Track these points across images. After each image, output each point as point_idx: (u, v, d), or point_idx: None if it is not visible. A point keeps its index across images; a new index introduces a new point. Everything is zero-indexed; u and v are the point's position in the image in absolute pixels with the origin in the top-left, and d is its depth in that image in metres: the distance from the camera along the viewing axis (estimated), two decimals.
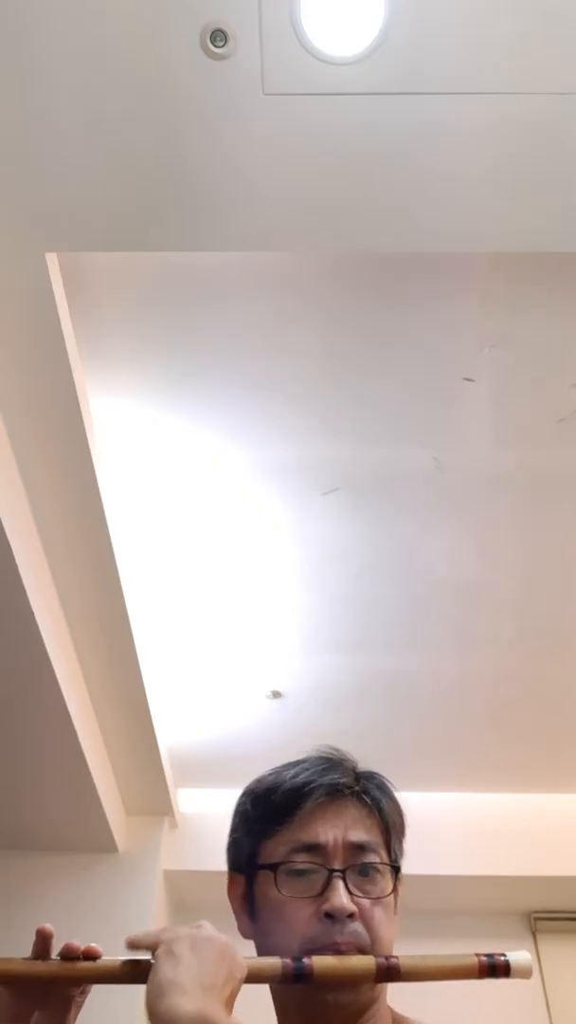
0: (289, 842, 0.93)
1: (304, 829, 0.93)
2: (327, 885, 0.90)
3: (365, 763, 1.02)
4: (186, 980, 0.74)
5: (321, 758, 1.00)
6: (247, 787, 1.03)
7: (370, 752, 1.02)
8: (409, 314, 1.87)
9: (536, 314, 1.86)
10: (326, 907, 0.88)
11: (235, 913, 0.99)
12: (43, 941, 0.84)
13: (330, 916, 0.88)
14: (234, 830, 1.02)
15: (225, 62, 1.34)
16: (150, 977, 0.76)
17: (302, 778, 0.96)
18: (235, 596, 2.55)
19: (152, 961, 0.78)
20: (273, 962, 0.85)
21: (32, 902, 2.87)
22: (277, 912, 0.91)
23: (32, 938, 0.84)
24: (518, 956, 0.87)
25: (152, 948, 0.79)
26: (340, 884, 0.90)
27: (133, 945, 0.81)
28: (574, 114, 1.41)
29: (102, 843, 2.97)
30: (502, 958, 0.86)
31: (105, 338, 1.89)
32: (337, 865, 0.91)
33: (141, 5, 1.30)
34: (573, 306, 1.86)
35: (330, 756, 1.01)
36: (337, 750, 1.02)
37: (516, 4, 1.31)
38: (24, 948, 0.85)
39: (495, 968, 0.86)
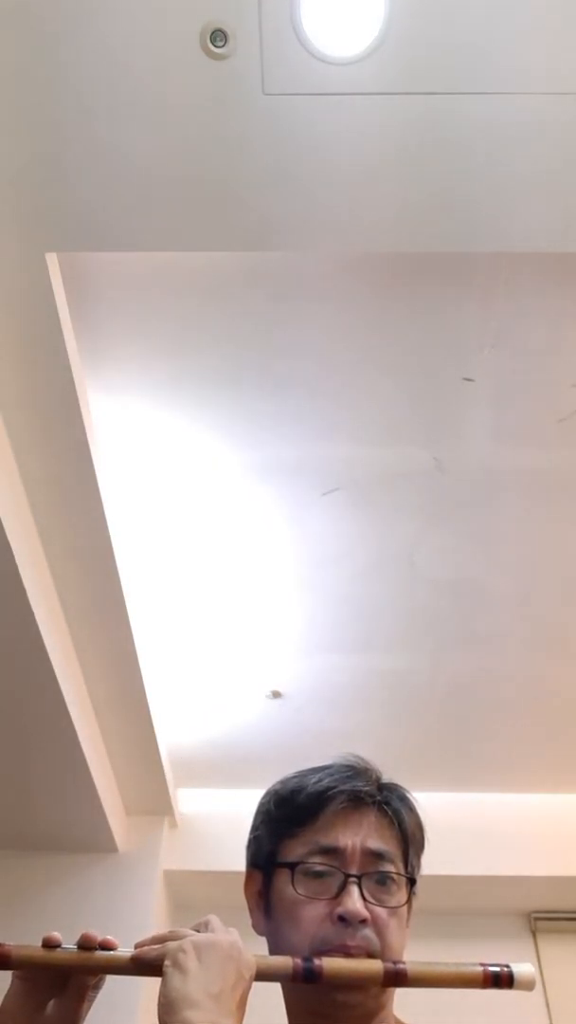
0: (309, 843, 0.95)
1: (324, 832, 0.95)
2: (342, 889, 0.91)
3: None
4: (195, 992, 0.75)
5: (346, 765, 1.02)
6: (271, 787, 1.05)
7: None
8: (409, 314, 1.87)
9: (536, 314, 1.86)
10: (339, 910, 0.89)
11: (250, 909, 1.00)
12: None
13: (343, 919, 0.89)
14: (255, 827, 1.04)
15: (225, 62, 1.34)
16: (160, 990, 0.77)
17: (326, 783, 0.98)
18: (235, 596, 2.55)
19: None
20: (284, 961, 0.86)
21: (32, 902, 2.87)
22: (291, 911, 0.92)
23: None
24: (522, 969, 0.89)
25: (158, 961, 0.80)
26: (355, 889, 0.91)
27: (140, 960, 0.82)
28: (574, 114, 1.41)
29: (102, 843, 2.97)
30: (507, 970, 0.88)
31: (105, 338, 1.89)
32: (354, 871, 0.92)
33: (141, 5, 1.30)
34: (573, 306, 1.86)
35: (355, 764, 1.02)
36: (361, 759, 1.04)
37: (516, 4, 1.31)
38: None
39: (499, 979, 0.88)
